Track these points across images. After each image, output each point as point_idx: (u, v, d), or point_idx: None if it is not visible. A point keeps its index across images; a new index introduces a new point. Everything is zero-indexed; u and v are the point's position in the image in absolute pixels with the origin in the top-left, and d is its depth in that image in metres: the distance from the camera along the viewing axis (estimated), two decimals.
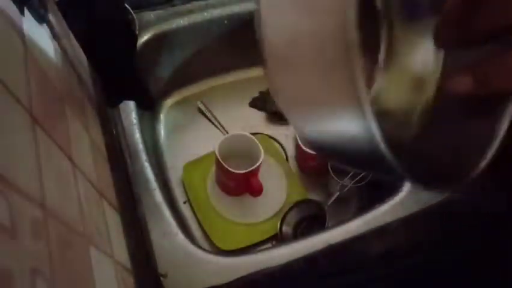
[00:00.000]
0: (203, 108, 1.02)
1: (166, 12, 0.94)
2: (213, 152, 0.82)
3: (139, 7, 0.91)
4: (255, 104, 1.04)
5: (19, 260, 0.28)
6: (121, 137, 0.76)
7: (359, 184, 0.81)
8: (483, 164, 0.30)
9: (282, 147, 0.98)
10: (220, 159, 0.80)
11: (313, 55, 0.25)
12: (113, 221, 0.56)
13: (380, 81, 0.35)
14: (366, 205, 0.81)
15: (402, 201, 0.70)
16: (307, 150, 0.85)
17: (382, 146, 0.23)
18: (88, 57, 0.68)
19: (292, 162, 0.96)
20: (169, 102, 1.04)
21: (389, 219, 0.69)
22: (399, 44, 0.36)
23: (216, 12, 0.95)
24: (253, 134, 0.87)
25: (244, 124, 1.00)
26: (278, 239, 0.83)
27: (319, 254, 0.65)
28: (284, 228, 0.83)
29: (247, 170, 0.79)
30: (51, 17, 0.56)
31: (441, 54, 0.35)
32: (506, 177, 0.72)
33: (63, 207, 0.39)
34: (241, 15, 0.97)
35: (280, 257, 0.65)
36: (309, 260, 0.65)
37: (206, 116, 1.01)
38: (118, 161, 0.70)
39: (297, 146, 0.90)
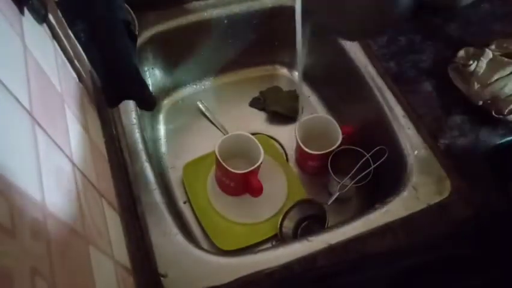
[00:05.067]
0: (203, 108, 1.02)
1: (166, 12, 0.94)
2: (213, 152, 0.82)
3: (139, 7, 0.91)
4: (255, 104, 1.05)
5: (19, 259, 0.28)
6: (121, 137, 0.76)
7: (359, 184, 0.81)
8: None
9: (282, 147, 0.98)
10: (220, 159, 0.80)
11: None
12: (113, 221, 0.56)
13: None
14: (366, 205, 0.81)
15: (402, 202, 0.70)
16: (308, 150, 0.85)
17: None
18: (87, 57, 0.68)
19: (292, 162, 0.96)
20: (169, 102, 1.04)
21: (389, 219, 0.68)
22: None
23: (216, 12, 0.95)
24: (253, 134, 0.87)
25: (244, 124, 1.00)
26: (278, 239, 0.83)
27: (319, 254, 0.65)
28: (284, 228, 0.83)
29: (247, 170, 0.79)
30: (51, 17, 0.56)
31: None
32: (507, 178, 0.72)
33: (63, 207, 0.39)
34: (241, 15, 0.97)
35: (280, 257, 0.65)
36: (309, 260, 0.65)
37: (206, 116, 1.01)
38: (117, 161, 0.70)
39: (297, 146, 0.90)
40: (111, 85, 0.66)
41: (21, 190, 0.31)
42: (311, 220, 0.84)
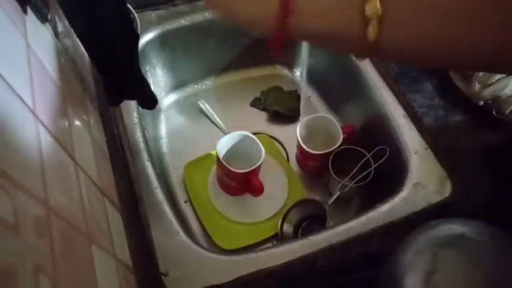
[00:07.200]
0: (204, 107, 1.02)
1: (168, 12, 0.94)
2: (214, 152, 0.82)
3: (141, 7, 0.92)
4: (256, 103, 1.05)
5: (22, 256, 0.28)
6: (123, 136, 0.76)
7: (359, 184, 0.81)
8: None
9: (283, 147, 0.98)
10: (221, 159, 0.80)
11: None
12: (114, 220, 0.56)
13: None
14: (366, 205, 0.82)
15: (403, 201, 0.70)
16: (308, 150, 0.85)
17: None
18: (90, 57, 0.68)
19: (293, 162, 0.96)
20: (170, 101, 1.04)
21: (389, 219, 0.69)
22: None
23: None
24: (254, 133, 0.87)
25: (245, 124, 1.00)
26: (279, 238, 0.83)
27: (319, 254, 0.65)
28: (285, 227, 0.83)
29: (248, 170, 0.79)
30: (53, 16, 0.56)
31: None
32: (508, 178, 0.72)
33: (65, 205, 0.39)
34: None
35: (280, 256, 0.65)
36: (309, 260, 0.65)
37: (207, 116, 1.02)
38: (119, 160, 0.70)
39: (298, 146, 0.90)
40: (113, 84, 0.67)
41: (24, 188, 0.32)
42: (312, 220, 0.85)
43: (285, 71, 1.11)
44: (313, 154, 0.86)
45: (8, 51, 0.37)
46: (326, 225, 0.80)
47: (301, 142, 0.86)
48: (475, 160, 0.74)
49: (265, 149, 0.81)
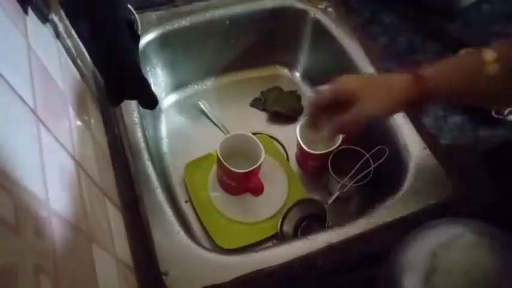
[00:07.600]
0: (204, 108, 1.02)
1: (168, 12, 0.95)
2: (214, 152, 0.82)
3: (141, 7, 0.92)
4: (256, 104, 1.05)
5: (23, 256, 0.28)
6: (123, 136, 0.76)
7: (359, 184, 0.82)
8: None
9: (283, 147, 0.99)
10: (221, 159, 0.80)
11: None
12: (115, 220, 0.56)
13: None
14: (366, 205, 0.82)
15: (402, 201, 0.70)
16: (308, 150, 0.86)
17: None
18: (90, 57, 0.68)
19: (293, 162, 0.96)
20: (171, 101, 1.05)
21: (389, 218, 0.69)
22: None
23: (217, 13, 0.96)
24: (254, 133, 0.87)
25: (245, 124, 1.00)
26: (279, 238, 0.83)
27: (319, 254, 0.66)
28: (285, 227, 0.83)
29: (248, 170, 0.80)
30: (54, 17, 0.57)
31: None
32: (507, 178, 0.72)
33: (66, 205, 0.39)
34: (242, 16, 0.97)
35: (280, 256, 0.65)
36: (309, 260, 0.65)
37: (207, 116, 1.02)
38: (120, 160, 0.70)
39: (298, 146, 0.90)
40: (113, 84, 0.67)
41: (25, 188, 0.32)
42: (311, 219, 0.85)
43: (285, 71, 1.11)
44: (313, 154, 0.86)
45: (8, 51, 0.37)
46: (326, 225, 0.80)
47: (301, 142, 0.87)
48: (474, 160, 0.74)
49: (265, 149, 0.82)
